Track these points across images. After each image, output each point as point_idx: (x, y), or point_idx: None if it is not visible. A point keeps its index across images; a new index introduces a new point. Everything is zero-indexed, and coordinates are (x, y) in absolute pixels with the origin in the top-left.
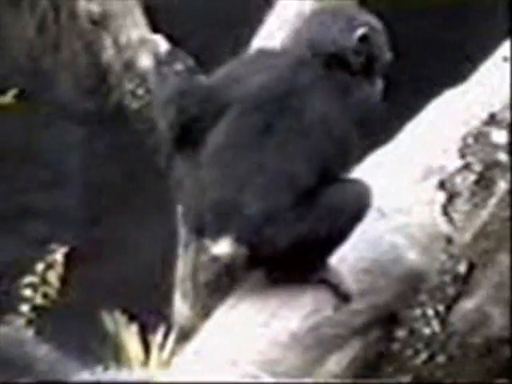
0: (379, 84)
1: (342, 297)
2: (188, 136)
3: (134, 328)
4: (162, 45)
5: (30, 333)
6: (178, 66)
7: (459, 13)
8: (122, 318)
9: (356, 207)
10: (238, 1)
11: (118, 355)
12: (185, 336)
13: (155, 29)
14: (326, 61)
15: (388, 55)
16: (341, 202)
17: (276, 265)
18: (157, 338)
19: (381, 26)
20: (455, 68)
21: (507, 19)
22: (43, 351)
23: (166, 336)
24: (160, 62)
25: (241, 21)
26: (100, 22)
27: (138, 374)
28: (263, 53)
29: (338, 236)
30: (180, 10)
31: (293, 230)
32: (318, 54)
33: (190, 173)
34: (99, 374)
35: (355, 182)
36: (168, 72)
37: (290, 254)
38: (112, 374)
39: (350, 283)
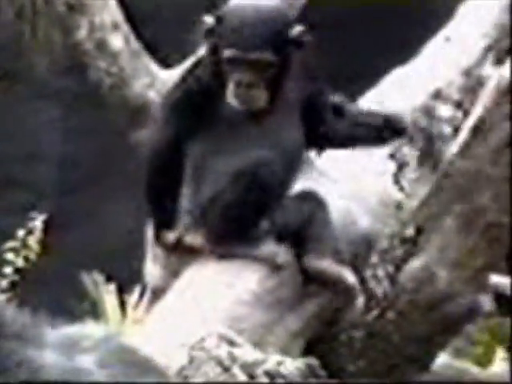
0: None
1: (274, 268)
2: None
3: (111, 287)
4: None
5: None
6: None
7: None
8: (100, 278)
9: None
10: None
11: (95, 314)
12: (158, 295)
13: (127, 13)
14: None
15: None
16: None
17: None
18: (132, 298)
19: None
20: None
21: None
22: (12, 313)
23: (141, 295)
24: None
25: None
26: (75, 7)
27: (105, 328)
28: None
29: (244, 204)
30: None
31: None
32: None
33: None
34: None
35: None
36: None
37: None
38: (77, 327)
39: (284, 255)
